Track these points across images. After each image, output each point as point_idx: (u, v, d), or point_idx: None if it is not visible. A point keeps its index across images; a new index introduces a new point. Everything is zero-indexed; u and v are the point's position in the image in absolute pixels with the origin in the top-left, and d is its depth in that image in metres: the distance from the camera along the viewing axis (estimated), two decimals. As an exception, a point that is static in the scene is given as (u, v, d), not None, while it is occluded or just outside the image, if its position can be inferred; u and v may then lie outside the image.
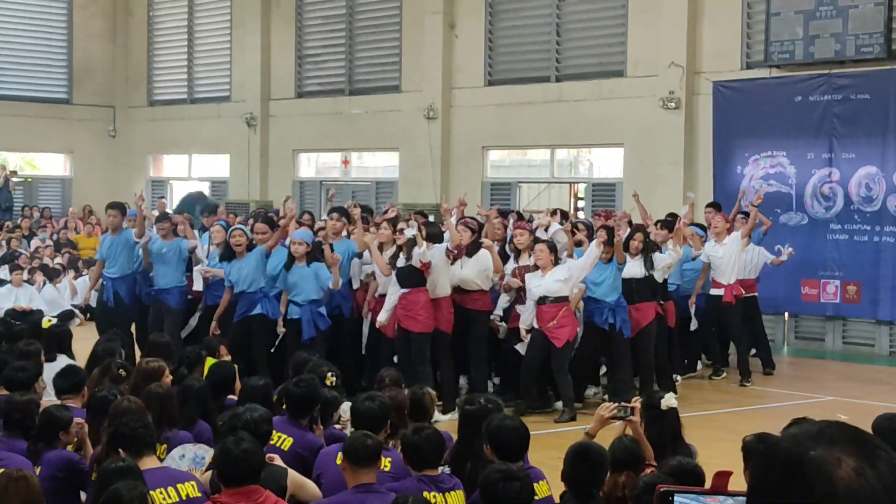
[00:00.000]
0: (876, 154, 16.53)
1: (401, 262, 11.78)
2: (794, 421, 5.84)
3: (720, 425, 11.49)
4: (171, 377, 8.19)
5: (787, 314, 17.67)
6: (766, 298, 15.55)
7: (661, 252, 13.00)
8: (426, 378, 11.19)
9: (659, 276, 12.84)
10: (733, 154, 17.94)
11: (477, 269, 12.12)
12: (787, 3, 17.08)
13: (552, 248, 11.83)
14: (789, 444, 1.91)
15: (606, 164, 21.11)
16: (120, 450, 5.92)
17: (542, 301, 11.71)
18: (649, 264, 12.62)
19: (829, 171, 16.98)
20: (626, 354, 12.31)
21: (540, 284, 11.71)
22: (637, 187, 18.86)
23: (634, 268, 12.52)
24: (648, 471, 6.23)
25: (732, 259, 14.10)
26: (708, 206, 15.98)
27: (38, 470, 6.28)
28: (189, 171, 27.95)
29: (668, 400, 6.83)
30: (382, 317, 11.95)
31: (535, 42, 20.90)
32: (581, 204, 20.96)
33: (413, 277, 11.68)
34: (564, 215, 15.41)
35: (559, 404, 12.03)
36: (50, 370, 8.97)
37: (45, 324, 10.71)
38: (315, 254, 12.10)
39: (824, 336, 17.37)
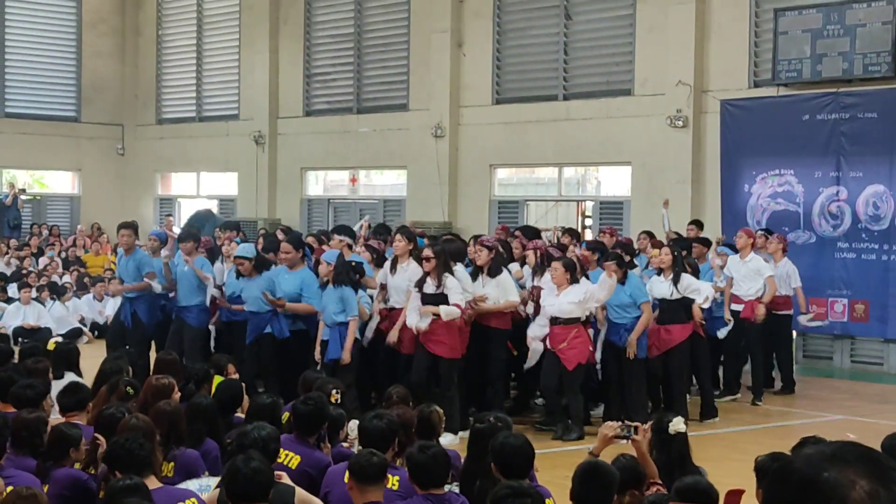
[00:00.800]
0: (884, 172, 16.52)
1: (429, 288, 11.50)
2: (804, 440, 5.84)
3: (729, 444, 11.46)
4: (179, 394, 8.18)
5: (795, 333, 17.62)
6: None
7: (696, 272, 12.85)
8: (452, 403, 11.15)
9: (704, 303, 12.56)
10: (741, 172, 17.93)
11: (497, 291, 11.97)
12: (794, 21, 17.10)
13: (568, 266, 11.62)
14: (803, 464, 1.90)
15: (614, 182, 21.12)
16: (117, 472, 5.90)
17: (554, 321, 11.59)
18: (678, 284, 12.31)
19: (836, 189, 16.97)
20: (638, 374, 12.14)
21: (553, 304, 11.58)
22: (644, 206, 18.94)
23: (663, 288, 12.33)
24: (654, 489, 6.22)
25: (750, 276, 13.99)
26: (690, 223, 16.04)
27: (46, 488, 6.28)
28: (197, 190, 28.00)
29: (677, 425, 6.80)
30: (393, 336, 11.86)
31: (542, 60, 20.93)
32: (589, 222, 20.96)
33: (440, 304, 11.47)
34: (575, 234, 15.40)
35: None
36: (58, 388, 8.96)
37: (51, 346, 10.73)
38: (343, 275, 11.89)
39: (832, 355, 17.33)
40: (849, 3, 16.69)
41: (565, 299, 11.48)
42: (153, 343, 13.86)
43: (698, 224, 15.95)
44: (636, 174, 19.55)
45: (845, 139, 16.85)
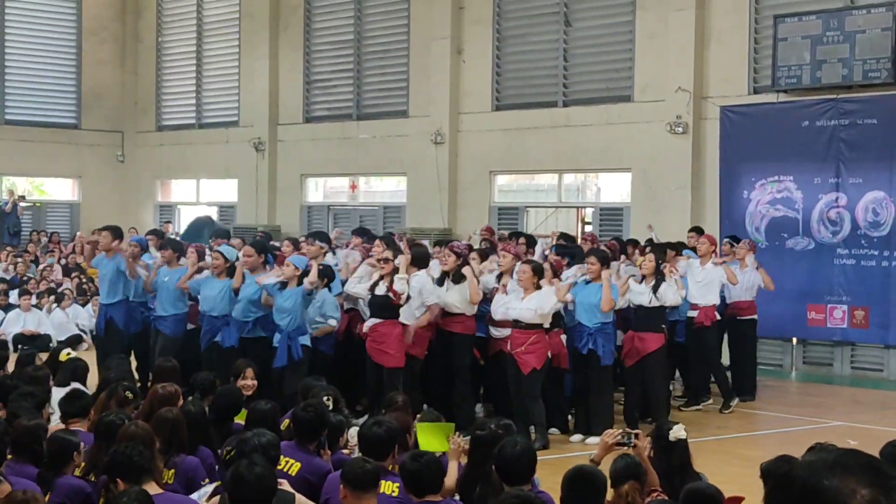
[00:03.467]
0: (883, 179, 16.53)
1: (380, 290, 11.62)
2: (814, 447, 5.84)
3: (729, 450, 11.46)
4: (182, 402, 8.16)
5: (794, 339, 17.62)
6: (772, 323, 15.49)
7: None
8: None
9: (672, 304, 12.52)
10: (740, 179, 17.94)
11: (461, 297, 11.97)
12: (794, 28, 17.11)
13: (536, 270, 11.51)
14: (805, 471, 1.90)
15: (614, 188, 21.12)
16: (118, 479, 5.89)
17: (516, 324, 11.48)
18: (658, 292, 12.24)
19: (835, 195, 16.97)
20: (605, 382, 12.06)
21: (516, 307, 11.47)
22: (644, 212, 18.93)
23: (643, 295, 12.28)
24: (654, 495, 6.22)
25: (708, 282, 13.90)
26: (690, 230, 16.00)
27: (47, 497, 6.28)
28: (197, 196, 28.00)
29: (677, 432, 6.81)
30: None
31: (542, 67, 20.94)
32: (588, 228, 20.95)
33: (387, 309, 11.54)
34: (569, 238, 15.39)
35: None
36: (61, 394, 8.97)
37: (63, 357, 10.74)
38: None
39: (832, 361, 17.31)
40: (848, 10, 16.72)
41: (527, 304, 11.37)
42: (132, 351, 13.70)
43: (699, 231, 15.85)
44: (636, 181, 19.54)
45: (845, 145, 16.85)
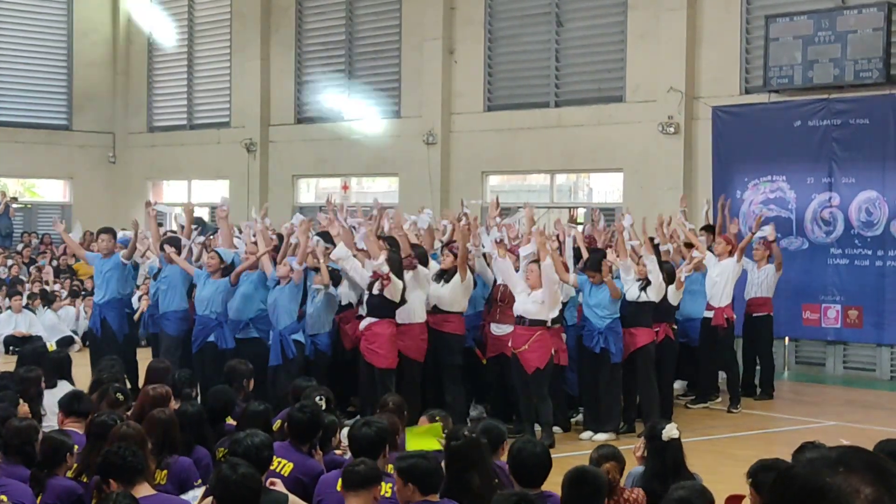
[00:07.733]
0: (876, 178, 16.54)
1: (377, 289, 11.62)
2: (803, 445, 5.83)
3: (722, 450, 11.45)
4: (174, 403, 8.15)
5: (787, 339, 17.63)
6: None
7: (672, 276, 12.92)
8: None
9: (654, 297, 12.43)
10: (733, 179, 17.94)
11: (456, 292, 12.02)
12: (785, 28, 17.13)
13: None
14: (807, 470, 1.88)
15: (606, 188, 21.12)
16: (111, 480, 5.88)
17: (519, 321, 11.50)
18: (647, 288, 12.30)
19: (829, 195, 16.98)
20: (615, 380, 12.11)
21: (519, 304, 11.51)
22: (636, 212, 18.80)
23: (633, 290, 12.31)
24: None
25: (722, 282, 13.98)
26: (702, 229, 15.97)
27: (40, 498, 6.26)
28: (189, 197, 27.87)
29: (670, 431, 6.78)
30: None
31: (534, 67, 20.93)
32: (581, 229, 20.91)
33: (383, 308, 11.54)
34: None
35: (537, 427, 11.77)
36: (51, 396, 8.96)
37: (49, 348, 10.74)
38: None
39: (825, 361, 17.32)
40: (840, 10, 16.73)
41: (532, 298, 11.38)
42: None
43: (709, 229, 15.66)
44: (628, 181, 19.54)
45: (837, 145, 16.86)
